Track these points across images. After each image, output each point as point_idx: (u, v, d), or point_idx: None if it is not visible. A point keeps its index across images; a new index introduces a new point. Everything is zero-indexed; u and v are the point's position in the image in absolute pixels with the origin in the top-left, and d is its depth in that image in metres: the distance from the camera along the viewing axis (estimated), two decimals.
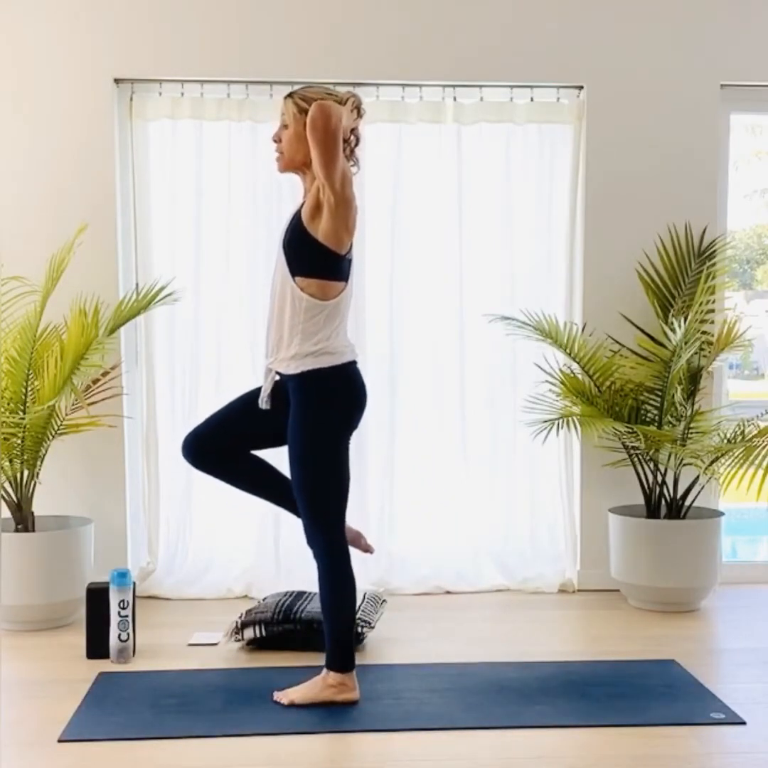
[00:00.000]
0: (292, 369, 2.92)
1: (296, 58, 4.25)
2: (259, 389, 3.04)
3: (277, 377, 3.01)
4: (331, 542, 2.96)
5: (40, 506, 3.99)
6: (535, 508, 4.52)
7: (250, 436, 3.11)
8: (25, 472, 3.88)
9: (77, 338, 3.79)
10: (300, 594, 3.81)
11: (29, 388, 3.85)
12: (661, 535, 4.08)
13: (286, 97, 2.92)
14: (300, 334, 2.90)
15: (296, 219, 2.89)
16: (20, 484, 3.89)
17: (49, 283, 3.88)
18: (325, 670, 3.01)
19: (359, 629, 3.52)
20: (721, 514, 4.24)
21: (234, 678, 3.29)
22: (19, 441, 3.81)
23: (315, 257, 2.86)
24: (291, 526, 4.41)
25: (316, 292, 2.88)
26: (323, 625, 3.00)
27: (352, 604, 3.01)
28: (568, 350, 4.20)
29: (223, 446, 3.10)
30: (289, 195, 4.35)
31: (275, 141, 2.94)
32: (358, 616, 3.56)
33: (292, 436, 2.94)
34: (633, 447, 4.14)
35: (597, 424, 3.99)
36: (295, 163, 2.92)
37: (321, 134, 2.68)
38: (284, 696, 3.01)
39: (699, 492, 4.20)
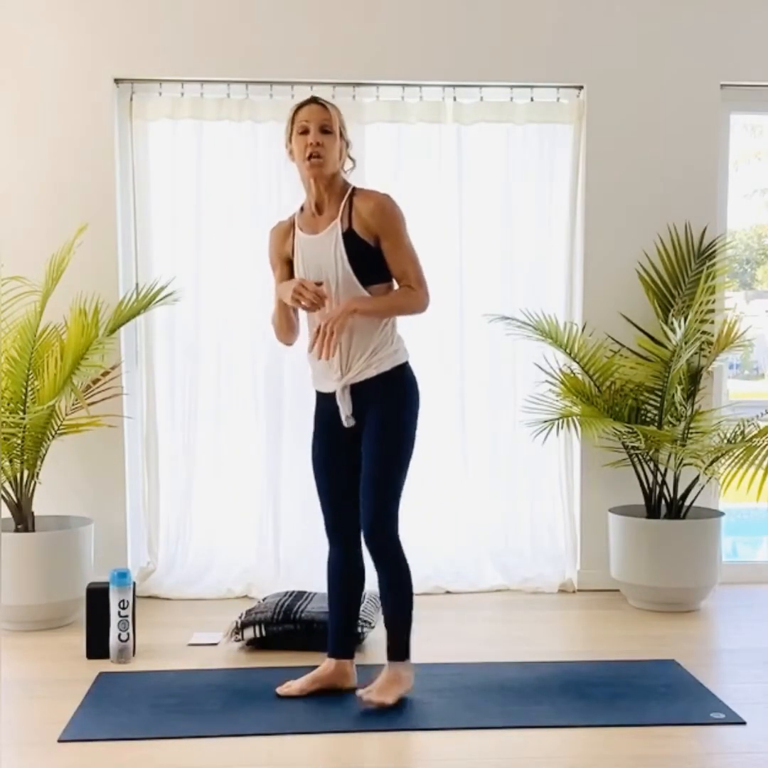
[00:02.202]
0: (382, 369, 2.96)
1: (296, 58, 4.25)
2: (329, 468, 3.07)
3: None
4: (396, 533, 3.01)
5: (40, 506, 3.99)
6: (535, 508, 4.52)
7: (354, 487, 3.09)
8: (25, 472, 3.88)
9: (77, 338, 3.79)
10: (300, 594, 3.81)
11: (29, 388, 3.85)
12: (661, 535, 4.08)
13: (329, 105, 2.97)
14: (378, 339, 2.96)
15: (347, 235, 2.92)
16: (20, 484, 3.89)
17: (49, 283, 3.88)
18: (393, 664, 3.03)
19: (359, 629, 3.52)
20: (721, 514, 4.24)
21: (234, 678, 3.29)
22: (19, 441, 3.81)
23: (378, 263, 2.95)
24: (291, 526, 4.44)
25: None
26: (387, 620, 3.04)
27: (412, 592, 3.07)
28: (568, 350, 4.20)
29: (354, 512, 3.08)
30: (289, 195, 4.34)
31: (318, 144, 2.92)
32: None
33: (378, 434, 2.96)
34: (633, 447, 4.14)
35: (597, 424, 3.99)
36: (334, 170, 2.97)
37: (402, 226, 2.96)
38: (378, 697, 2.99)
39: (699, 492, 4.20)
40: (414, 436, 3.01)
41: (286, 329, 3.10)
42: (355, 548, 3.11)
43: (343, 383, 2.97)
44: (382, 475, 2.97)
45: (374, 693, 2.99)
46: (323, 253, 2.95)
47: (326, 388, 3.04)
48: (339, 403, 2.99)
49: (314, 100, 2.98)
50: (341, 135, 2.97)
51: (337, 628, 3.13)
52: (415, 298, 2.97)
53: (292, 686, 3.11)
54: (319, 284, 2.92)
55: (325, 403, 3.05)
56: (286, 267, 3.10)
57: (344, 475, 3.06)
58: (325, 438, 3.08)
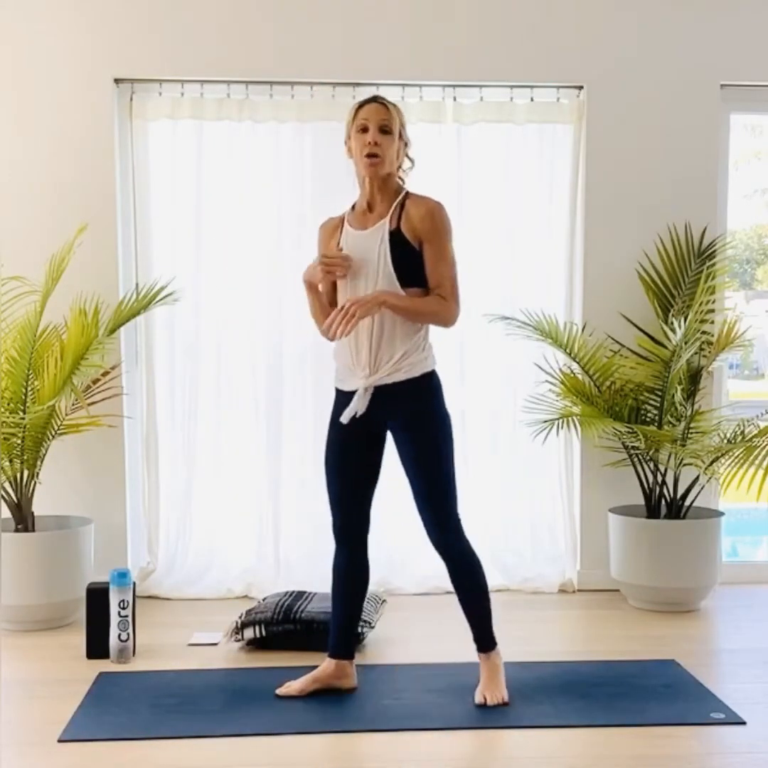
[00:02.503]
0: (412, 374, 2.96)
1: (296, 58, 4.25)
2: (346, 469, 3.07)
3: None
4: (464, 535, 3.05)
5: (40, 506, 3.99)
6: (535, 508, 4.52)
7: (373, 487, 3.14)
8: (25, 472, 3.88)
9: (77, 338, 3.79)
10: (300, 594, 3.81)
11: (29, 388, 3.85)
12: (661, 535, 4.08)
13: (389, 104, 2.98)
14: (409, 343, 2.97)
15: (393, 234, 2.93)
16: (20, 484, 3.89)
17: (49, 283, 3.88)
18: (486, 654, 3.08)
19: (359, 629, 3.52)
20: (721, 514, 4.24)
21: (234, 678, 3.29)
22: (19, 441, 3.81)
23: (419, 267, 2.97)
24: (291, 526, 4.44)
25: None
26: (471, 616, 3.08)
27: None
28: (568, 350, 4.20)
29: (365, 516, 3.14)
30: (288, 194, 4.35)
31: (375, 144, 2.94)
32: None
33: (425, 439, 2.97)
34: (633, 447, 4.14)
35: (597, 424, 3.99)
36: (390, 170, 2.99)
37: (447, 236, 2.97)
38: (497, 698, 3.02)
39: (699, 492, 4.20)
40: (452, 434, 3.02)
41: (322, 320, 3.06)
42: (362, 551, 3.13)
43: (369, 383, 2.96)
44: (435, 480, 2.99)
45: (488, 695, 3.03)
46: (368, 250, 2.96)
47: (350, 386, 3.01)
48: (356, 399, 2.96)
49: (375, 99, 3.00)
50: (400, 135, 2.99)
51: (338, 629, 3.14)
52: (447, 309, 2.98)
53: (291, 686, 3.12)
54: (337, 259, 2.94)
55: (344, 403, 3.03)
56: None
57: (357, 479, 3.07)
58: (341, 440, 3.06)
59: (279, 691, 3.11)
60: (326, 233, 3.13)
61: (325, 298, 3.08)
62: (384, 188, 2.99)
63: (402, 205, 2.97)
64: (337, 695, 3.09)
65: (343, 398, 3.05)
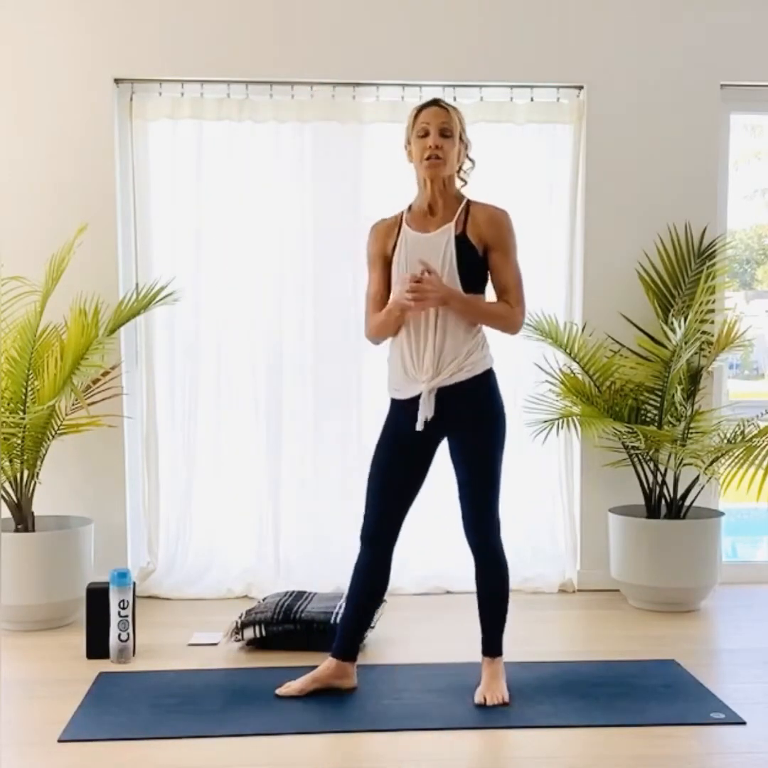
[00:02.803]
0: (475, 372, 2.97)
1: (296, 58, 4.25)
2: (392, 474, 3.05)
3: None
4: (500, 539, 3.08)
5: (40, 506, 3.99)
6: (535, 508, 4.52)
7: (414, 497, 3.13)
8: (25, 472, 3.88)
9: (77, 338, 3.79)
10: (300, 594, 3.81)
11: (29, 388, 3.85)
12: (661, 535, 4.08)
13: (450, 107, 2.99)
14: (471, 342, 2.99)
15: (460, 237, 2.95)
16: (20, 484, 3.89)
17: (49, 283, 3.88)
18: (491, 658, 3.10)
19: None
20: (721, 514, 4.24)
21: (234, 678, 3.29)
22: (19, 441, 3.81)
23: (482, 273, 3.01)
24: (291, 526, 4.44)
25: None
26: (488, 620, 3.10)
27: None
28: (568, 350, 4.20)
29: (401, 522, 3.12)
30: (288, 194, 4.35)
31: (437, 147, 2.95)
32: None
33: (481, 439, 3.00)
34: (633, 447, 4.14)
35: (597, 424, 3.99)
36: (451, 172, 3.01)
37: (514, 244, 3.02)
38: (497, 698, 3.02)
39: (699, 492, 4.20)
40: (505, 440, 3.05)
41: (384, 334, 3.09)
42: (387, 557, 3.11)
43: (433, 385, 2.95)
44: (484, 483, 3.01)
45: (488, 696, 3.03)
46: (432, 253, 2.96)
47: (409, 393, 3.00)
48: (421, 405, 2.95)
49: (436, 103, 3.01)
50: (460, 138, 3.00)
51: (346, 630, 3.12)
52: (513, 316, 3.02)
53: (291, 686, 3.11)
54: (420, 275, 2.90)
55: (402, 411, 3.03)
56: (386, 265, 3.07)
57: (401, 488, 3.07)
58: (394, 448, 3.06)
59: (279, 691, 3.10)
60: (381, 234, 3.10)
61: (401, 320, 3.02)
62: (445, 192, 3.01)
63: (467, 211, 2.99)
64: (337, 695, 3.09)
65: (398, 407, 3.05)
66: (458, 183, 3.07)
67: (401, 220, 3.07)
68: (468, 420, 2.99)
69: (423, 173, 2.99)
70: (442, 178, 2.98)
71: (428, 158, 2.95)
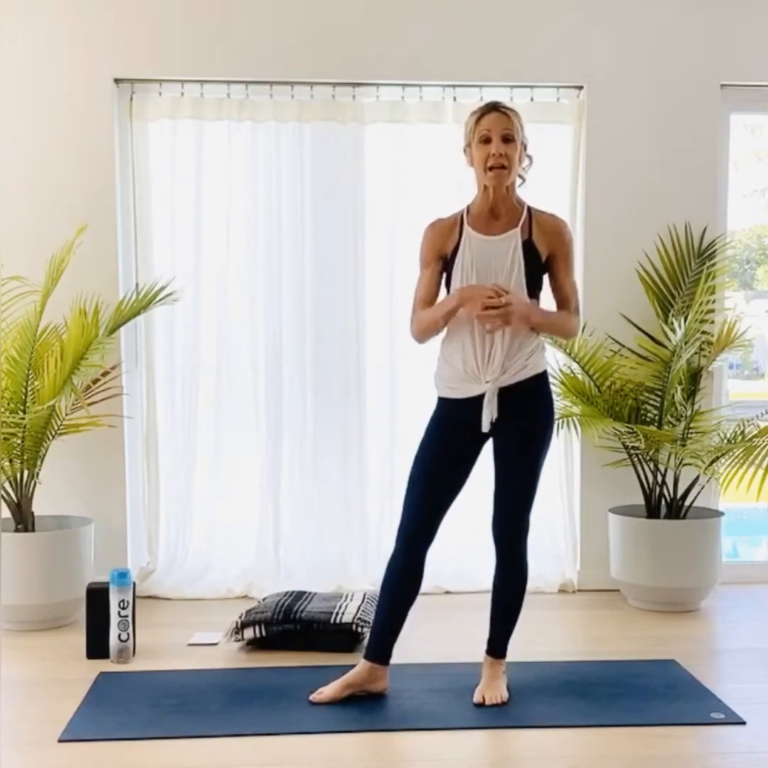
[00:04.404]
0: (537, 370, 3.01)
1: (296, 58, 4.25)
2: (438, 471, 3.04)
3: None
4: (526, 543, 3.15)
5: (40, 506, 3.99)
6: (535, 508, 4.49)
7: (454, 500, 3.15)
8: (25, 472, 3.88)
9: (77, 338, 3.79)
10: (300, 594, 3.81)
11: (29, 388, 3.85)
12: (661, 535, 4.08)
13: (510, 112, 2.96)
14: (533, 342, 3.00)
15: (526, 243, 2.97)
16: (20, 484, 3.89)
17: (49, 283, 3.88)
18: (494, 659, 3.12)
19: (359, 629, 3.52)
20: (721, 514, 4.24)
21: (234, 678, 3.29)
22: (19, 441, 3.81)
23: (540, 280, 3.05)
24: (291, 527, 4.44)
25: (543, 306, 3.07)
26: (499, 621, 3.13)
27: None
28: (568, 350, 4.20)
29: (440, 523, 3.13)
30: (288, 195, 4.35)
31: (501, 155, 2.94)
32: (357, 616, 3.57)
33: (532, 437, 3.02)
34: (633, 447, 4.14)
35: (597, 424, 3.99)
36: (511, 182, 3.02)
37: (573, 254, 3.09)
38: (496, 698, 3.03)
39: (699, 492, 4.20)
40: (550, 445, 3.10)
41: (430, 335, 3.07)
42: (422, 558, 3.09)
43: (497, 386, 2.95)
44: (526, 481, 3.06)
45: (487, 695, 3.04)
46: (498, 256, 2.97)
47: (468, 393, 2.97)
48: (486, 404, 2.95)
49: (496, 108, 2.97)
50: (523, 140, 3.00)
51: (380, 632, 3.06)
52: (574, 324, 3.09)
53: (324, 693, 3.04)
54: (495, 295, 2.89)
55: (456, 408, 3.00)
56: (440, 265, 3.05)
57: (449, 487, 3.06)
58: (444, 442, 3.03)
59: (312, 697, 3.04)
60: (439, 234, 3.06)
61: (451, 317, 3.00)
62: (507, 196, 3.02)
63: (530, 216, 3.01)
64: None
65: (453, 406, 3.01)
66: (517, 181, 3.07)
67: (462, 221, 3.03)
68: (520, 422, 2.99)
69: (487, 181, 2.98)
70: (506, 180, 2.98)
71: (492, 168, 2.94)
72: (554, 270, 3.04)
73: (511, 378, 2.96)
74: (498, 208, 3.01)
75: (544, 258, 3.01)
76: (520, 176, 3.09)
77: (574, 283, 3.09)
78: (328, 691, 3.05)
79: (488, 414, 2.96)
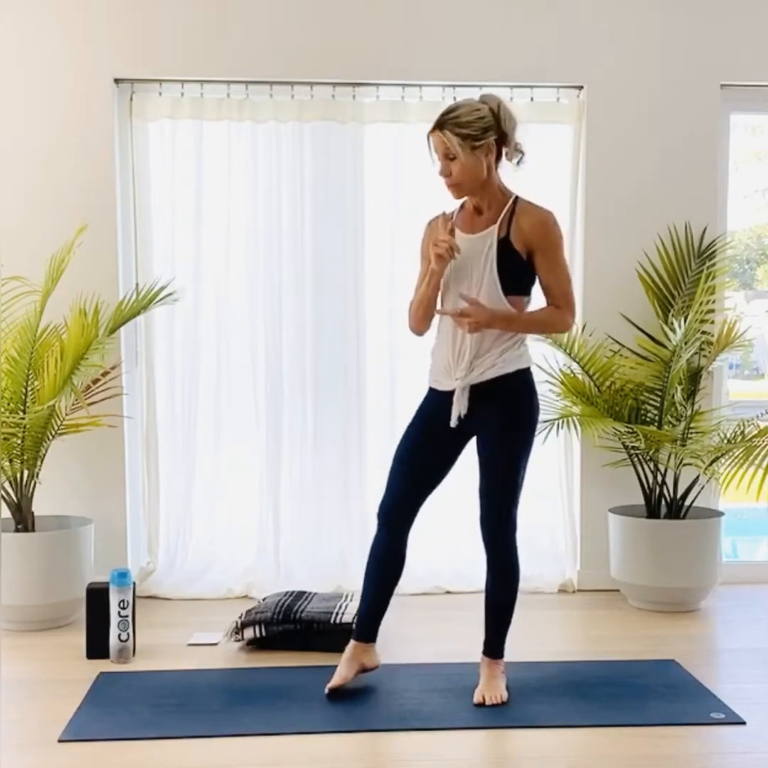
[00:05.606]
0: (505, 370, 2.98)
1: (296, 58, 4.25)
2: (419, 448, 3.09)
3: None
4: (514, 538, 3.07)
5: (40, 506, 3.99)
6: (535, 508, 4.51)
7: (435, 484, 3.16)
8: (25, 472, 3.88)
9: (77, 338, 3.79)
10: (300, 594, 3.81)
11: (29, 388, 3.85)
12: (661, 535, 4.08)
13: (437, 130, 2.93)
14: (507, 342, 2.99)
15: (502, 242, 2.94)
16: (20, 484, 3.89)
17: (49, 283, 3.88)
18: (491, 659, 3.10)
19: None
20: (721, 514, 4.24)
21: (234, 678, 3.29)
22: (19, 441, 3.81)
23: (524, 276, 3.00)
24: (291, 526, 4.44)
25: (523, 308, 3.03)
26: (491, 619, 3.10)
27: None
28: (568, 350, 4.20)
29: (418, 505, 3.16)
30: (288, 195, 4.35)
31: (446, 175, 2.97)
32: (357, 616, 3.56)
33: (505, 436, 3.01)
34: (633, 447, 4.14)
35: (597, 424, 3.99)
36: (474, 188, 2.99)
37: (559, 245, 2.99)
38: (496, 698, 3.03)
39: (699, 492, 4.20)
40: (532, 441, 3.05)
41: (422, 317, 3.10)
42: (401, 539, 3.13)
43: (465, 383, 2.98)
44: (503, 480, 3.02)
45: (487, 695, 3.04)
46: (473, 254, 2.97)
47: (445, 387, 3.04)
48: (455, 402, 2.99)
49: (436, 127, 2.95)
50: (473, 147, 2.91)
51: (364, 613, 3.15)
52: (559, 319, 3.02)
53: (336, 678, 3.12)
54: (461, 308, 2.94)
55: (437, 399, 3.07)
56: None
57: (422, 473, 3.10)
58: (422, 429, 3.09)
59: (328, 687, 3.09)
60: (434, 231, 3.10)
61: (432, 301, 3.06)
62: (487, 193, 2.99)
63: (512, 212, 2.97)
64: (336, 695, 3.08)
65: (435, 395, 3.08)
66: (509, 171, 3.02)
67: (453, 218, 3.07)
68: (496, 418, 3.00)
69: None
70: (465, 193, 3.00)
71: (446, 185, 2.98)
72: (536, 265, 2.98)
73: (480, 377, 2.98)
74: (481, 206, 3.02)
75: (524, 255, 2.96)
76: (512, 161, 3.00)
77: (563, 278, 3.00)
78: (337, 678, 3.11)
79: (456, 410, 2.99)
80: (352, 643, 3.17)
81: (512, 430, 3.01)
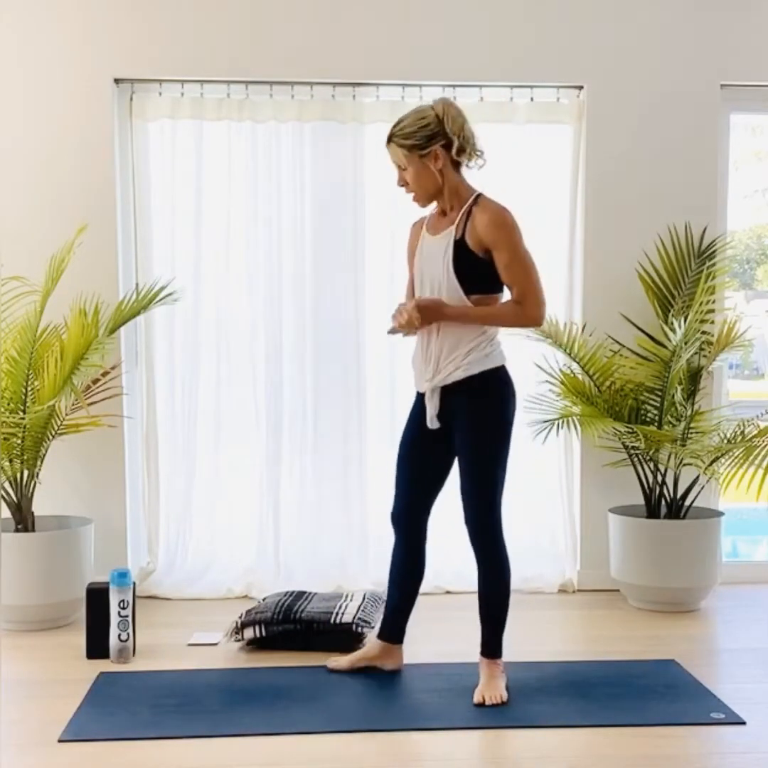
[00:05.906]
0: (470, 372, 3.00)
1: (296, 58, 4.25)
2: (415, 450, 3.18)
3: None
4: (500, 534, 3.09)
5: (40, 506, 3.99)
6: (535, 508, 4.52)
7: (437, 482, 3.23)
8: (25, 472, 3.88)
9: (77, 338, 3.79)
10: (300, 594, 3.81)
11: (29, 388, 3.85)
12: (661, 535, 4.08)
13: (393, 142, 3.01)
14: (472, 343, 3.01)
15: (457, 243, 2.97)
16: (20, 484, 3.89)
17: (49, 283, 3.88)
18: (489, 659, 3.12)
19: (359, 629, 3.52)
20: (721, 514, 4.24)
21: (234, 678, 3.29)
22: (19, 441, 3.81)
23: (486, 274, 2.99)
24: (291, 526, 4.44)
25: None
26: (485, 618, 3.12)
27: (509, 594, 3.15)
28: (568, 350, 4.20)
29: (426, 506, 3.27)
30: (288, 194, 4.35)
31: (402, 185, 3.06)
32: (357, 616, 3.57)
33: (470, 436, 3.03)
34: (633, 447, 4.14)
35: (597, 424, 3.99)
36: (431, 195, 3.06)
37: (515, 240, 2.96)
38: (496, 698, 3.03)
39: (699, 492, 4.20)
40: (508, 436, 3.05)
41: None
42: (417, 539, 3.26)
43: (433, 385, 3.04)
44: (477, 478, 3.04)
45: (486, 695, 3.04)
46: (434, 257, 3.02)
47: (421, 389, 3.12)
48: (427, 403, 3.06)
49: (386, 142, 3.04)
50: (423, 155, 2.96)
51: (389, 613, 3.29)
52: (519, 314, 3.00)
53: (340, 661, 3.32)
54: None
55: (420, 402, 3.15)
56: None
57: (422, 468, 3.18)
58: (414, 431, 3.17)
59: (329, 664, 3.29)
60: (412, 235, 3.23)
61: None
62: (450, 195, 3.04)
63: (469, 213, 2.99)
64: (336, 695, 3.09)
65: (419, 399, 3.16)
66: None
67: (426, 222, 3.16)
68: (464, 418, 3.03)
69: None
70: (426, 200, 3.07)
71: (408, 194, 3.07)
72: (496, 261, 2.97)
73: (446, 378, 3.02)
74: (448, 207, 3.06)
75: (481, 253, 2.96)
76: (471, 161, 3.05)
77: (519, 273, 2.97)
78: (343, 661, 3.29)
79: (429, 412, 3.07)
80: (375, 641, 3.32)
81: (480, 430, 3.03)
